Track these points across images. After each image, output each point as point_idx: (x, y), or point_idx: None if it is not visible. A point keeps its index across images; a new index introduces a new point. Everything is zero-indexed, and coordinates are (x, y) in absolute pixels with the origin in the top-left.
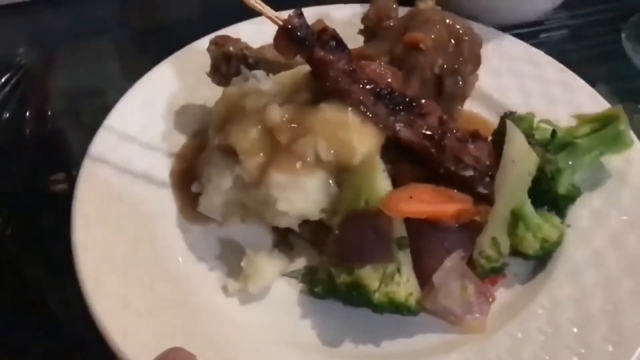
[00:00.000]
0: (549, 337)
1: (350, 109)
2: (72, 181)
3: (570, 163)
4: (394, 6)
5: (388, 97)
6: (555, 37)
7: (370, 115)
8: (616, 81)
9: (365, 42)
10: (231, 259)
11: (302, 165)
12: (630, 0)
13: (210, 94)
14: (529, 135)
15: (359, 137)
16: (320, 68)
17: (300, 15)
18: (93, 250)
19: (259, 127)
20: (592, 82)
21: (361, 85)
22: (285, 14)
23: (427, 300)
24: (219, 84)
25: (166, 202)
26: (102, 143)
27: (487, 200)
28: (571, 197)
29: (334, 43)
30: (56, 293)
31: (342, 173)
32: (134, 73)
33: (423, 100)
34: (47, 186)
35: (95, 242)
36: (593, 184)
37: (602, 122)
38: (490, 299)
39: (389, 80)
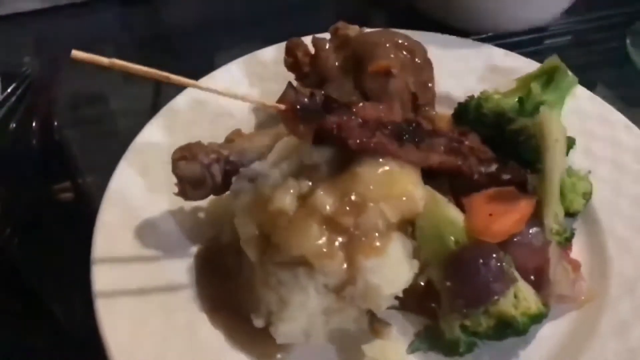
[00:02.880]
0: None
1: (380, 159)
2: (77, 190)
3: None
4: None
5: (404, 132)
6: (559, 43)
7: (402, 156)
8: (621, 87)
9: (297, 78)
10: None
11: (380, 238)
12: (634, 6)
13: None
14: (501, 113)
15: (409, 183)
16: (339, 133)
17: (295, 89)
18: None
19: (315, 223)
20: (596, 88)
21: (381, 133)
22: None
23: (547, 298)
24: (212, 194)
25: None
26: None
27: (511, 183)
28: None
29: (336, 104)
30: (62, 302)
31: (409, 225)
32: (138, 81)
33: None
34: (52, 195)
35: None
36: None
37: (547, 75)
38: (579, 265)
39: (390, 116)
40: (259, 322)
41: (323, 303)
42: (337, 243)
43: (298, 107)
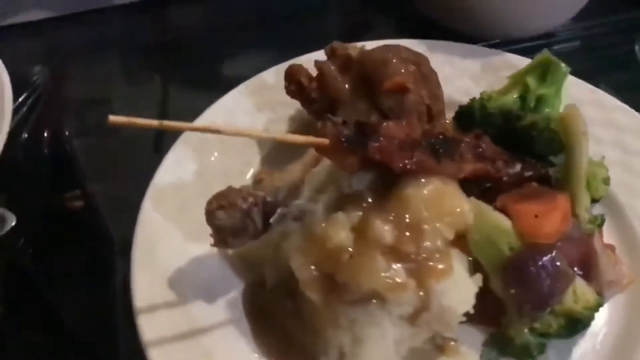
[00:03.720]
0: None
1: (422, 179)
2: (87, 198)
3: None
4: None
5: (438, 146)
6: (567, 49)
7: (442, 171)
8: (630, 91)
9: (303, 105)
10: None
11: (443, 258)
12: None
13: None
14: (507, 111)
15: (456, 197)
16: (383, 158)
17: (332, 121)
18: None
19: (379, 255)
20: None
21: (419, 152)
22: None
23: (599, 287)
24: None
25: None
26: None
27: (532, 179)
28: None
29: (369, 129)
30: (75, 313)
31: (462, 239)
32: (144, 88)
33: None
34: (63, 204)
35: None
36: None
37: (540, 70)
38: (614, 248)
39: (413, 131)
40: None
41: (399, 333)
42: (405, 271)
43: (343, 139)
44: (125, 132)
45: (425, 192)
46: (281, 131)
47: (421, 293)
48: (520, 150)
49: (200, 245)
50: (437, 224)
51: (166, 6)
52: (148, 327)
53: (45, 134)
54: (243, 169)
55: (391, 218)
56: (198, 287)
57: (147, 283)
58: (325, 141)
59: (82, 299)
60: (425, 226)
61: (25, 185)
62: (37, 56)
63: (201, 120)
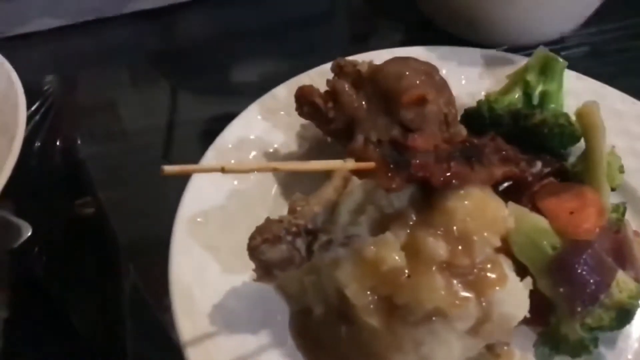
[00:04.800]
0: None
1: (461, 190)
2: (98, 204)
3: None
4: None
5: (468, 155)
6: (576, 54)
7: (476, 179)
8: None
9: (319, 125)
10: None
11: (495, 267)
12: None
13: None
14: (515, 111)
15: (496, 203)
16: (425, 176)
17: (369, 140)
18: None
19: (437, 272)
20: None
21: (454, 163)
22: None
23: (636, 275)
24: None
25: None
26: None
27: (550, 175)
28: None
29: (402, 145)
30: (85, 318)
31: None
32: (153, 96)
33: (475, 139)
34: (75, 211)
35: None
36: None
37: (539, 67)
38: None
39: (438, 141)
40: None
41: (463, 347)
42: (463, 285)
43: (389, 160)
44: (134, 140)
45: (467, 202)
46: (296, 153)
47: (484, 304)
48: (531, 148)
49: (238, 276)
50: (485, 233)
51: (175, 14)
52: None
53: (58, 142)
54: (265, 196)
55: (440, 233)
56: (243, 317)
57: (190, 322)
58: (371, 165)
59: (92, 305)
60: (475, 237)
61: (39, 193)
62: (48, 65)
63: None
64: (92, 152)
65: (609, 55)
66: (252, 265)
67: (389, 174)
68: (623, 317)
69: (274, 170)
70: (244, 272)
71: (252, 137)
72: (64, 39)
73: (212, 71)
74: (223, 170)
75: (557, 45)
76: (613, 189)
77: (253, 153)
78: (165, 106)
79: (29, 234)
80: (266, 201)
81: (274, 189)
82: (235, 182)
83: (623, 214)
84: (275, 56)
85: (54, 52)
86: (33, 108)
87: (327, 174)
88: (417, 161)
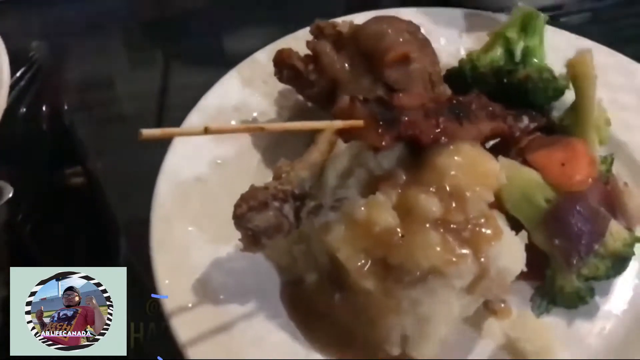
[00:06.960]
0: None
1: (451, 146)
2: (88, 174)
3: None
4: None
5: (456, 112)
6: (576, 21)
7: (466, 135)
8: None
9: (300, 90)
10: None
11: (489, 221)
12: None
13: None
14: (498, 68)
15: (487, 159)
16: (414, 133)
17: (358, 99)
18: None
19: (431, 229)
20: None
21: (443, 119)
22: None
23: (628, 224)
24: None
25: None
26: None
27: (537, 130)
28: None
29: (388, 103)
30: None
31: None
32: (145, 64)
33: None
34: (63, 180)
35: None
36: None
37: (520, 23)
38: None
39: (425, 99)
40: (395, 350)
41: (461, 305)
42: (458, 242)
43: (378, 118)
44: (126, 108)
45: (457, 158)
46: (276, 121)
47: (482, 260)
48: (515, 104)
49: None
50: (477, 188)
51: None
52: (182, 329)
53: (44, 109)
54: (249, 162)
55: (432, 190)
56: (231, 288)
57: (177, 287)
58: (360, 123)
59: None
60: (467, 192)
61: (23, 159)
62: (35, 31)
63: (200, 107)
64: (82, 121)
65: (609, 22)
66: (238, 235)
67: (379, 131)
68: (619, 264)
69: (260, 131)
70: (230, 243)
71: (230, 105)
72: (54, 6)
73: (204, 39)
74: (206, 131)
75: (556, 11)
76: (601, 143)
77: (232, 122)
78: (158, 74)
79: (10, 195)
80: (249, 173)
81: (257, 160)
82: (217, 152)
83: (611, 165)
84: (269, 23)
85: (42, 19)
86: (18, 74)
87: (311, 141)
88: (406, 118)
